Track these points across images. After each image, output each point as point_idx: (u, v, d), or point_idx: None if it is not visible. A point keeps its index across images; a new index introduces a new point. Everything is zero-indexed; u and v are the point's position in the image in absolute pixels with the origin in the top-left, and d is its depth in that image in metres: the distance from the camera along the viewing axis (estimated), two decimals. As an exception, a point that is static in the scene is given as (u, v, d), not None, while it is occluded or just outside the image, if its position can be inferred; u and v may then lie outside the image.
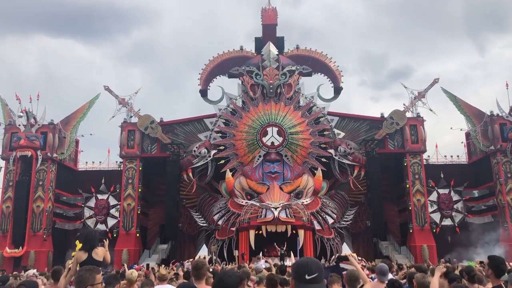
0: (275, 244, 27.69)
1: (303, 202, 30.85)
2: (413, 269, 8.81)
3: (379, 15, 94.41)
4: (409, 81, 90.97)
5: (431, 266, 9.82)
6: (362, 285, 5.15)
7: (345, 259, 6.71)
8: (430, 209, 34.55)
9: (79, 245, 6.49)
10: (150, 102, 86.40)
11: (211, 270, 9.91)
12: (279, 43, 36.65)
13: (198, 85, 36.17)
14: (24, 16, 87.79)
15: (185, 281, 8.08)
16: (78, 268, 6.64)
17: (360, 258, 20.48)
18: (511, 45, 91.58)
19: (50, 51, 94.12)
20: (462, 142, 38.37)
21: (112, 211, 35.29)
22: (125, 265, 11.89)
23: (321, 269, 2.69)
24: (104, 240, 7.20)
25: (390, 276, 7.48)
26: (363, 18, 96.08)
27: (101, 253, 6.66)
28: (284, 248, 24.23)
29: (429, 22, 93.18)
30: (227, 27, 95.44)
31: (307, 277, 2.61)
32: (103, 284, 4.12)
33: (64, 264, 8.36)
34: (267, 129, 33.91)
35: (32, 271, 16.67)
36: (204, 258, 24.04)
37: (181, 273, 9.81)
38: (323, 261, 21.69)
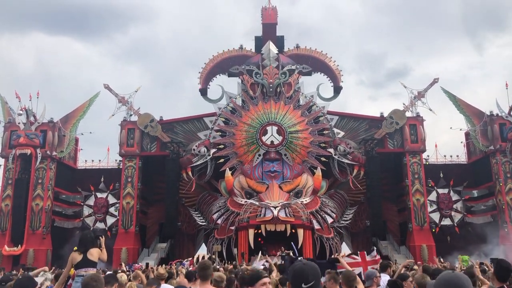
0: (279, 247, 27.53)
1: (302, 201, 30.84)
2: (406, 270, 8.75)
3: (377, 14, 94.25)
4: (407, 80, 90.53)
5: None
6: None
7: (336, 261, 6.73)
8: (429, 209, 34.55)
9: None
10: (149, 100, 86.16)
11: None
12: (279, 42, 36.63)
13: (198, 83, 36.16)
14: (21, 13, 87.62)
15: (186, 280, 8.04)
16: (72, 269, 6.67)
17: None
18: (509, 44, 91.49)
19: (47, 48, 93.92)
20: (461, 142, 38.43)
21: (111, 209, 35.30)
22: (123, 264, 11.85)
23: (318, 275, 2.70)
24: (100, 237, 7.18)
25: (387, 276, 7.48)
26: (361, 17, 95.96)
27: (95, 253, 6.71)
28: (285, 251, 24.15)
29: (427, 21, 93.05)
30: (226, 25, 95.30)
31: (303, 286, 2.63)
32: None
33: (62, 263, 8.37)
34: (267, 128, 33.91)
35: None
36: (203, 257, 24.02)
37: (181, 274, 9.74)
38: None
